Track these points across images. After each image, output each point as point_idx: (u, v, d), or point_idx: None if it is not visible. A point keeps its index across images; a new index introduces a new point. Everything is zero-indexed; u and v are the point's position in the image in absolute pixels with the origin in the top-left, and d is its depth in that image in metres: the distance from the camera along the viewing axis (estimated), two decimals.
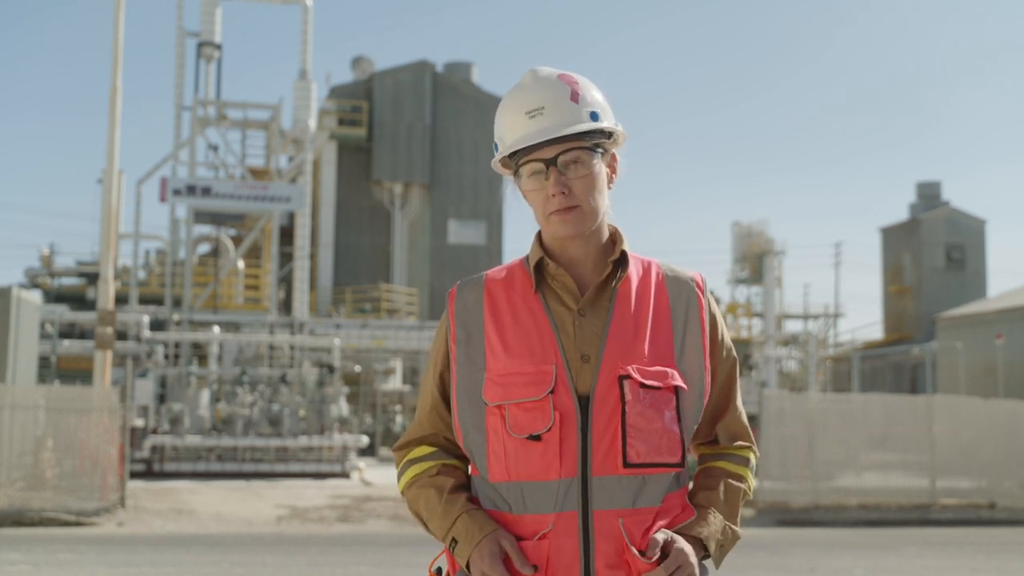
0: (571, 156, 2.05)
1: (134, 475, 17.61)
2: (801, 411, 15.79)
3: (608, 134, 2.11)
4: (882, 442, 16.34)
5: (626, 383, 2.00)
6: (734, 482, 2.15)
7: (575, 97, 2.08)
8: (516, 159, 2.10)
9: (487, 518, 2.02)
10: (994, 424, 16.41)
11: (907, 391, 36.78)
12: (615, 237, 2.16)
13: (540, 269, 2.13)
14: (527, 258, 2.16)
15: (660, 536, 1.96)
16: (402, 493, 2.20)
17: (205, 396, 20.49)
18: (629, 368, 2.01)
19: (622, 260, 2.12)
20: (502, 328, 2.09)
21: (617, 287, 2.10)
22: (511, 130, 2.10)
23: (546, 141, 2.05)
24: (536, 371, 2.02)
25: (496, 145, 2.15)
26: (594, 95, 2.11)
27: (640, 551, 1.95)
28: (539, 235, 2.16)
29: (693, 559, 1.97)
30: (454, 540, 2.03)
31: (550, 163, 2.05)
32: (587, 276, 2.12)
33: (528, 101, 2.08)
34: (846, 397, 17.65)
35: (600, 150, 2.09)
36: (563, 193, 2.04)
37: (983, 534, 13.71)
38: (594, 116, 2.08)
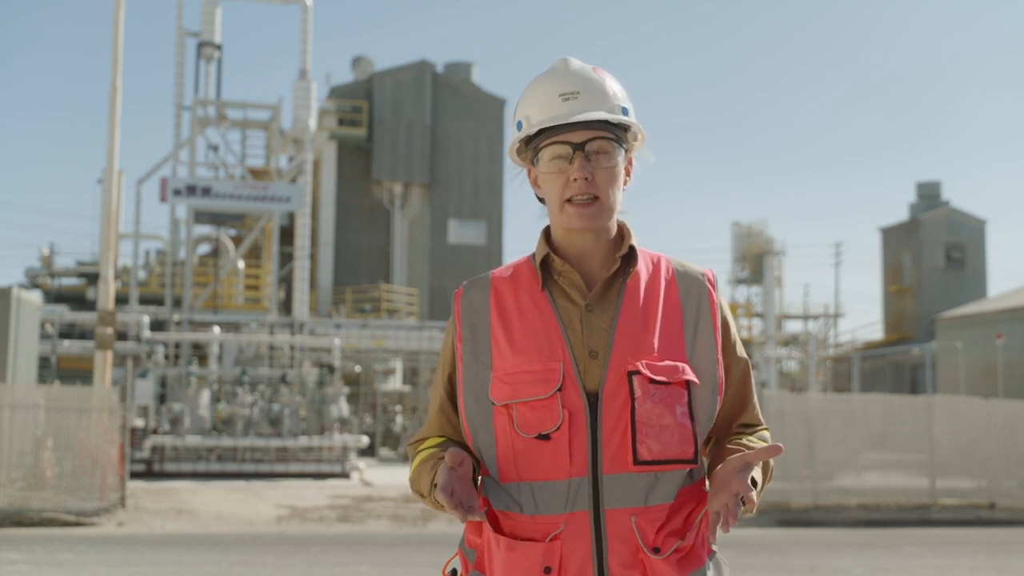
0: (598, 146, 2.03)
1: (134, 475, 17.62)
2: (801, 411, 15.79)
3: (632, 134, 2.11)
4: (882, 442, 16.34)
5: (635, 379, 1.95)
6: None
7: (609, 90, 2.07)
8: (536, 142, 2.07)
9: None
10: (994, 424, 16.40)
11: (907, 391, 36.76)
12: (623, 232, 2.13)
13: (546, 266, 2.09)
14: (534, 255, 2.12)
15: (736, 459, 1.89)
16: (410, 483, 2.16)
17: (205, 396, 20.48)
18: (638, 363, 1.97)
19: (630, 255, 2.09)
20: (509, 326, 2.05)
21: (626, 282, 2.06)
22: (541, 109, 2.06)
23: (577, 124, 2.02)
24: (543, 369, 1.98)
25: (520, 124, 2.10)
26: (622, 90, 2.11)
27: (654, 549, 1.92)
28: (545, 231, 2.13)
29: (740, 496, 1.86)
30: (434, 485, 1.99)
31: (578, 147, 2.02)
32: (595, 272, 2.08)
33: (562, 84, 2.06)
34: (846, 397, 17.64)
35: (624, 147, 2.08)
36: (586, 179, 2.01)
37: (983, 534, 13.70)
38: (624, 112, 2.07)
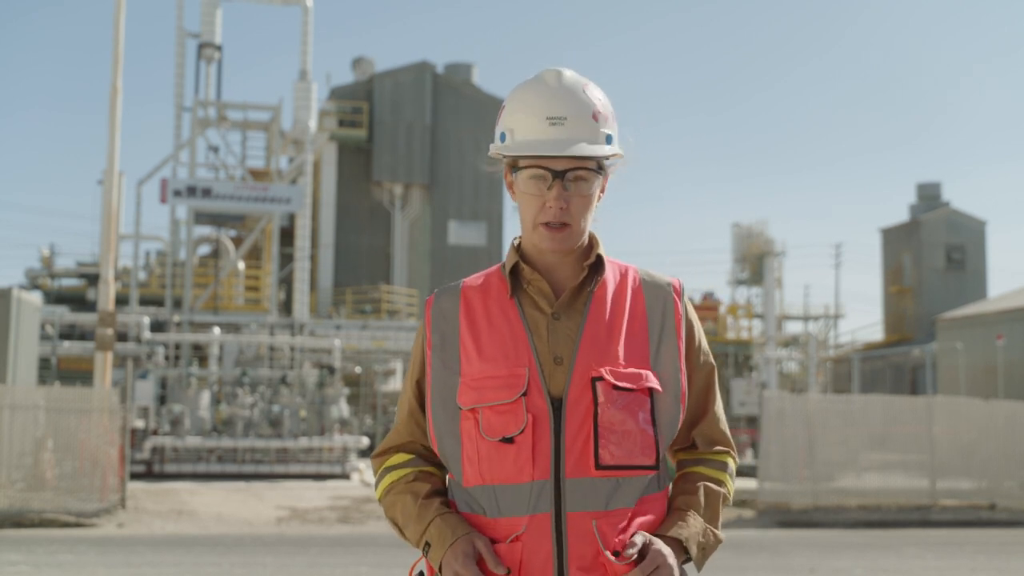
0: (578, 175, 2.04)
1: (134, 476, 17.62)
2: (801, 412, 15.79)
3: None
4: (882, 443, 16.34)
5: (599, 385, 1.99)
6: (713, 486, 2.13)
7: (596, 116, 2.07)
8: (516, 158, 2.08)
9: (460, 521, 2.01)
10: (994, 425, 16.40)
11: (907, 392, 36.74)
12: (592, 242, 2.15)
13: (516, 274, 2.12)
14: (504, 264, 2.16)
15: (639, 538, 1.95)
16: (379, 500, 2.19)
17: (205, 397, 20.49)
18: (602, 370, 2.00)
19: (598, 265, 2.12)
20: (477, 333, 2.09)
21: (593, 291, 2.09)
22: (526, 129, 2.06)
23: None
24: (509, 374, 2.01)
25: (503, 135, 2.10)
26: (609, 111, 2.10)
27: (614, 552, 1.94)
28: (516, 241, 2.16)
29: (672, 561, 1.95)
30: (427, 544, 2.02)
31: (557, 175, 2.03)
32: (563, 281, 2.11)
33: (550, 106, 2.05)
34: (846, 398, 17.65)
35: (602, 173, 2.10)
36: (561, 208, 2.03)
37: (983, 535, 13.70)
38: (609, 139, 2.08)
